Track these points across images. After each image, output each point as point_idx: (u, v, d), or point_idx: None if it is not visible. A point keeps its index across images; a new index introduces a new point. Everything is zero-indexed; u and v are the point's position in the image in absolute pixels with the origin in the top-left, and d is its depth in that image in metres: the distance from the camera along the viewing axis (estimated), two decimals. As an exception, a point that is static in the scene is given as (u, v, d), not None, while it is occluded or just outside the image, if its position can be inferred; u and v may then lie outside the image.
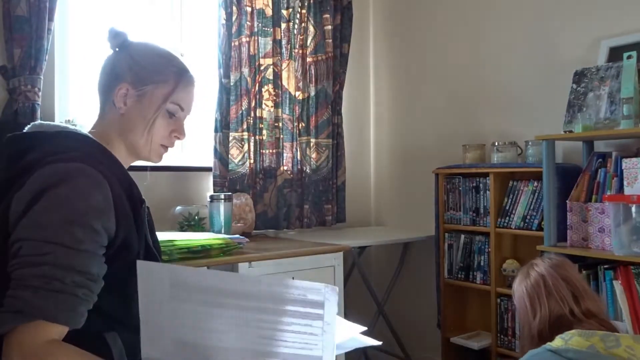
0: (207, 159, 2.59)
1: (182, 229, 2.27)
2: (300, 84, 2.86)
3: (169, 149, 1.22)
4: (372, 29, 3.35)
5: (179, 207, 2.34)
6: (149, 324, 0.86)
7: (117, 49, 1.16)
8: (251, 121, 2.68)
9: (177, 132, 1.19)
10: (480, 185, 2.48)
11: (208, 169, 2.59)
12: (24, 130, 1.09)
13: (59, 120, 2.21)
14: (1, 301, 0.90)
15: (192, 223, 2.28)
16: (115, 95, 1.12)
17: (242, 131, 2.64)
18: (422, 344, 2.93)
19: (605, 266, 1.93)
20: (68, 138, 1.07)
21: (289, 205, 2.78)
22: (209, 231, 2.19)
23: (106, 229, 0.98)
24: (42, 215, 0.93)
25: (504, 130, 2.59)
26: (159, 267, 0.87)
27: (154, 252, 1.13)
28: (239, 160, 2.63)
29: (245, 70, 2.65)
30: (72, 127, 1.12)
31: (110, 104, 1.14)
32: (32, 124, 1.11)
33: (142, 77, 1.13)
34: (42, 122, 1.14)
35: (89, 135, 1.11)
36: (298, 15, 2.85)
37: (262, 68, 2.72)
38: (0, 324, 0.87)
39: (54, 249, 0.91)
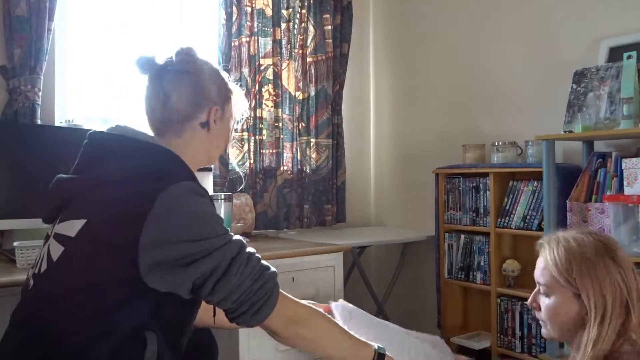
0: (207, 159, 2.59)
1: (182, 229, 2.26)
2: (300, 84, 2.86)
3: None
4: (372, 29, 3.35)
5: (179, 207, 2.33)
6: None
7: (182, 70, 1.17)
8: (251, 121, 2.68)
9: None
10: (480, 185, 2.48)
11: (208, 169, 2.59)
12: (106, 130, 1.15)
13: (59, 120, 2.21)
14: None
15: (192, 223, 2.27)
16: (210, 116, 1.19)
17: (242, 131, 2.64)
18: (422, 344, 2.93)
19: (606, 266, 1.92)
20: (154, 153, 1.11)
21: (289, 205, 2.78)
22: (209, 231, 2.19)
23: None
24: (203, 229, 1.03)
25: (504, 130, 2.59)
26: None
27: None
28: (239, 160, 2.64)
29: (245, 70, 2.65)
30: (152, 139, 1.14)
31: (193, 125, 1.18)
32: (115, 124, 1.15)
33: (224, 96, 1.23)
34: (126, 125, 1.15)
35: (171, 150, 1.13)
36: (298, 15, 2.85)
37: (262, 68, 2.72)
38: (263, 313, 1.06)
39: (233, 249, 1.05)
